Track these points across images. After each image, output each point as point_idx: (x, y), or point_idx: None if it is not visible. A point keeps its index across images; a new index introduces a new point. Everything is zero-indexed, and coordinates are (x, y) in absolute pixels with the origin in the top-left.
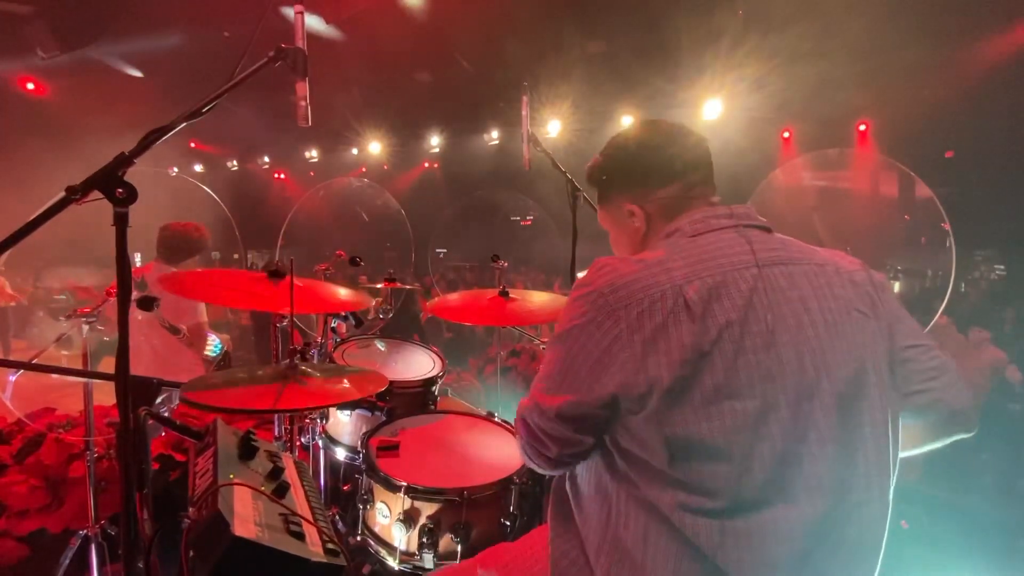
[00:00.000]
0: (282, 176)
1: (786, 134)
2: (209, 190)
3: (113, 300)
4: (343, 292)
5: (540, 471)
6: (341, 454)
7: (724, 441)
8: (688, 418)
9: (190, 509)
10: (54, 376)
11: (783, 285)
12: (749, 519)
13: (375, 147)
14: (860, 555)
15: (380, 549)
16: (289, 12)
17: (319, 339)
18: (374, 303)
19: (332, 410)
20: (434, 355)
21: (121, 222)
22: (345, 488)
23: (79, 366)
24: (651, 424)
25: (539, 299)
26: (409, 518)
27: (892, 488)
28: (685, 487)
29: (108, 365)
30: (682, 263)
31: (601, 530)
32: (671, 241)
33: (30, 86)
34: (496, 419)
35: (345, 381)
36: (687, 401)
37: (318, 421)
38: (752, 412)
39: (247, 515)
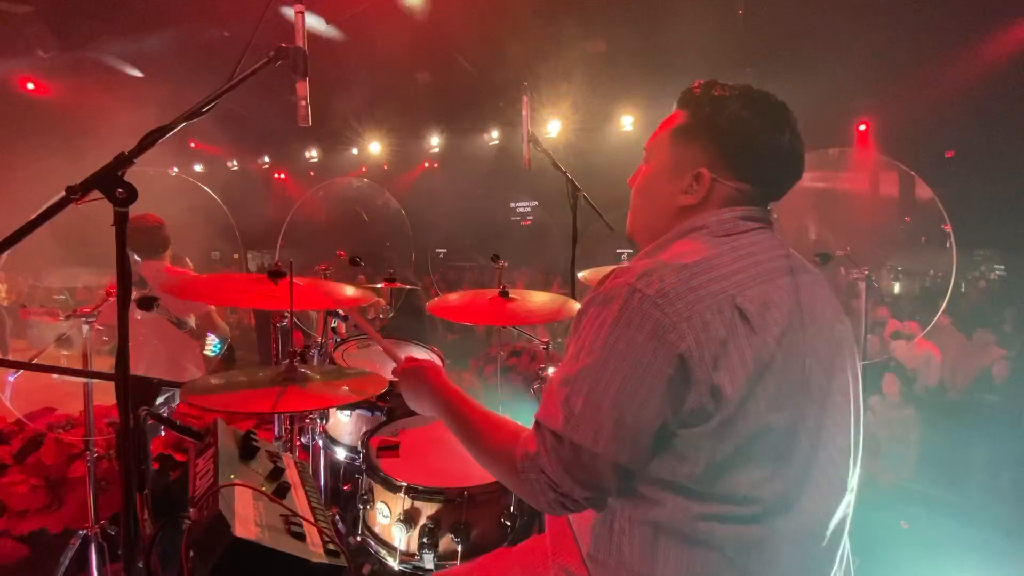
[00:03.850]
0: (282, 176)
1: None
2: (209, 190)
3: (113, 300)
4: (350, 291)
5: (552, 513)
6: (341, 454)
7: (764, 452)
8: (740, 431)
9: (190, 509)
10: (54, 376)
11: (805, 295)
12: (774, 526)
13: (375, 147)
14: (845, 549)
15: (380, 549)
16: (289, 12)
17: (319, 339)
18: (374, 303)
19: (332, 410)
20: (434, 355)
21: (121, 222)
22: (345, 488)
23: (79, 366)
24: (704, 439)
25: (539, 299)
26: (409, 518)
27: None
28: (714, 497)
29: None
30: (727, 269)
31: (604, 546)
32: (698, 238)
33: (30, 86)
34: None
35: (345, 386)
36: (742, 416)
37: (318, 421)
38: (788, 424)
39: (248, 516)
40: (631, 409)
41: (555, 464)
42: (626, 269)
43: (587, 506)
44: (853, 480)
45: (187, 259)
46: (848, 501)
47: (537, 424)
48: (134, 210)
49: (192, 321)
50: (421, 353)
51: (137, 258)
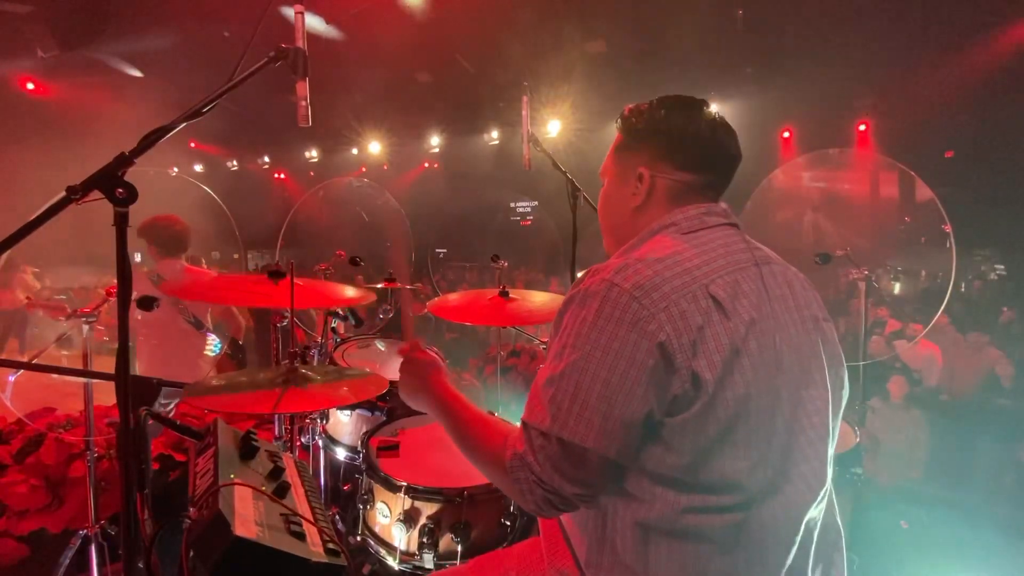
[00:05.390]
0: (282, 176)
1: (786, 134)
2: (209, 190)
3: (113, 300)
4: (350, 292)
5: (542, 515)
6: (341, 454)
7: (746, 438)
8: (721, 417)
9: (191, 509)
10: (54, 376)
11: (771, 284)
12: (759, 511)
13: (375, 147)
14: (832, 538)
15: (380, 549)
16: (289, 12)
17: (319, 339)
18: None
19: (332, 410)
20: (434, 355)
21: (121, 222)
22: (345, 488)
23: (79, 366)
24: (688, 426)
25: (539, 299)
26: (409, 518)
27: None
28: (700, 487)
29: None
30: (699, 260)
31: (597, 546)
32: (668, 234)
33: (30, 86)
34: (496, 418)
35: (345, 388)
36: (722, 401)
37: (318, 421)
38: (766, 408)
39: (248, 515)
40: (617, 401)
41: (543, 462)
42: (603, 267)
43: (577, 504)
44: (830, 467)
45: (202, 259)
46: (824, 492)
47: (524, 424)
48: (134, 210)
49: (209, 322)
50: None
51: (138, 257)
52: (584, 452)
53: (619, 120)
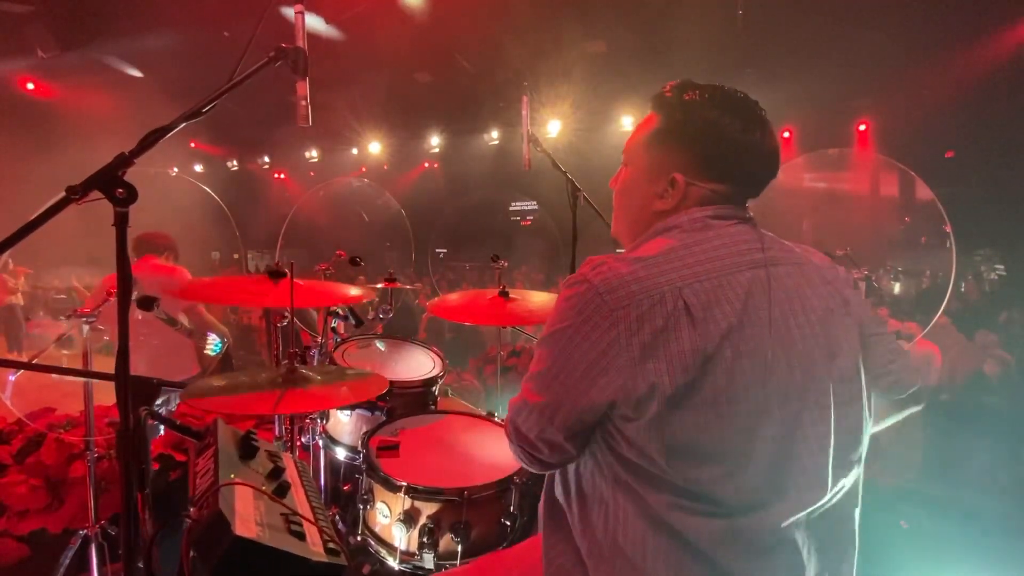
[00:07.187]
0: (282, 176)
1: (786, 134)
2: (209, 190)
3: (113, 300)
4: (353, 291)
5: (531, 470)
6: (341, 454)
7: (721, 445)
8: (687, 423)
9: (191, 509)
10: (54, 376)
11: (774, 286)
12: (746, 518)
13: (375, 147)
14: (842, 546)
15: (380, 549)
16: (289, 12)
17: (319, 339)
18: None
19: (332, 410)
20: (434, 355)
21: (121, 222)
22: (345, 488)
23: (79, 366)
24: (650, 430)
25: (539, 299)
26: (409, 518)
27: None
28: (681, 490)
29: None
30: (680, 263)
31: (599, 538)
32: (669, 236)
33: (30, 86)
34: (496, 419)
35: (345, 388)
36: (687, 406)
37: (318, 421)
38: (747, 415)
39: (248, 515)
40: (559, 381)
41: (521, 425)
42: (592, 258)
43: (522, 457)
44: (841, 478)
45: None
46: (826, 497)
47: None
48: (134, 211)
49: (184, 319)
50: (420, 354)
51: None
52: (531, 411)
53: (659, 101)
